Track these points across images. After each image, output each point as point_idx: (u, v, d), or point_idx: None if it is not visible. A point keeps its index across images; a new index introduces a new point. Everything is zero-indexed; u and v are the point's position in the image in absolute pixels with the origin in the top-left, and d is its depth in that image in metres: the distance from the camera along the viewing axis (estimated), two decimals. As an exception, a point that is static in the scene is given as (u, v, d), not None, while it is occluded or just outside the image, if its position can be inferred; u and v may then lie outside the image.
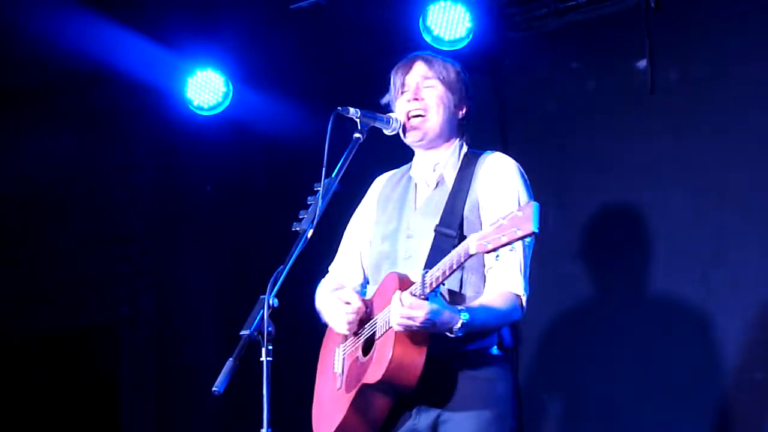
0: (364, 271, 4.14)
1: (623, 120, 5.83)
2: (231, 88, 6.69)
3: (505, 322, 3.79)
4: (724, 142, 5.50)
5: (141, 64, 6.63)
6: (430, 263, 3.68)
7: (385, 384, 3.64)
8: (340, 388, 3.88)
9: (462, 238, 3.69)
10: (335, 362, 3.98)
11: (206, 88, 6.68)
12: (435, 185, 3.98)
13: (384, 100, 4.08)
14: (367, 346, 3.81)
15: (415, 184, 4.05)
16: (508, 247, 3.35)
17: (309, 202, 3.57)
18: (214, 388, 3.24)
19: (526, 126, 6.13)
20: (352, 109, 3.74)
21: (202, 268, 7.19)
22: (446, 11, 5.94)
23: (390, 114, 3.92)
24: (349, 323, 3.85)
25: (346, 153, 3.68)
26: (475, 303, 3.70)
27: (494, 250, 3.32)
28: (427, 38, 5.96)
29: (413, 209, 3.98)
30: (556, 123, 6.05)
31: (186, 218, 7.29)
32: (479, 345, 3.76)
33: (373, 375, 3.65)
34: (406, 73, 4.02)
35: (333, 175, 3.61)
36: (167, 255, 7.34)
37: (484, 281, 3.82)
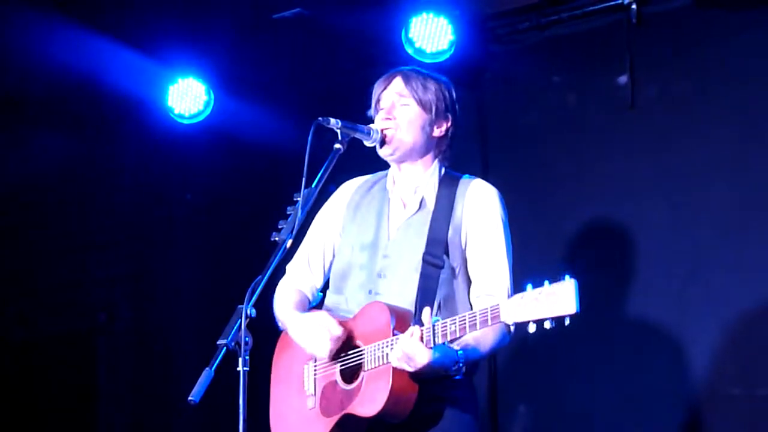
0: (324, 275, 4.12)
1: (603, 135, 5.86)
2: (212, 96, 6.67)
3: (493, 353, 3.86)
4: (702, 159, 5.52)
5: (122, 71, 6.61)
6: (421, 293, 3.75)
7: (378, 417, 3.66)
8: (313, 409, 3.87)
9: (449, 265, 3.81)
10: (305, 380, 3.94)
11: (187, 97, 6.66)
12: (417, 208, 3.96)
13: (369, 113, 4.07)
14: (349, 373, 3.81)
15: (390, 200, 4.03)
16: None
17: (288, 212, 3.57)
18: (190, 398, 3.22)
19: (507, 139, 6.15)
20: (333, 120, 3.74)
21: (181, 277, 7.17)
22: (429, 24, 5.94)
23: (371, 126, 3.93)
24: (330, 351, 3.81)
25: (326, 163, 3.69)
26: (470, 340, 3.70)
27: (528, 322, 3.38)
28: (410, 50, 5.96)
29: (390, 227, 3.97)
30: (536, 136, 6.07)
31: (165, 226, 7.27)
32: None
33: (368, 409, 3.66)
34: (383, 89, 4.02)
35: (313, 186, 3.61)
36: (146, 262, 7.32)
37: (469, 302, 3.86)
